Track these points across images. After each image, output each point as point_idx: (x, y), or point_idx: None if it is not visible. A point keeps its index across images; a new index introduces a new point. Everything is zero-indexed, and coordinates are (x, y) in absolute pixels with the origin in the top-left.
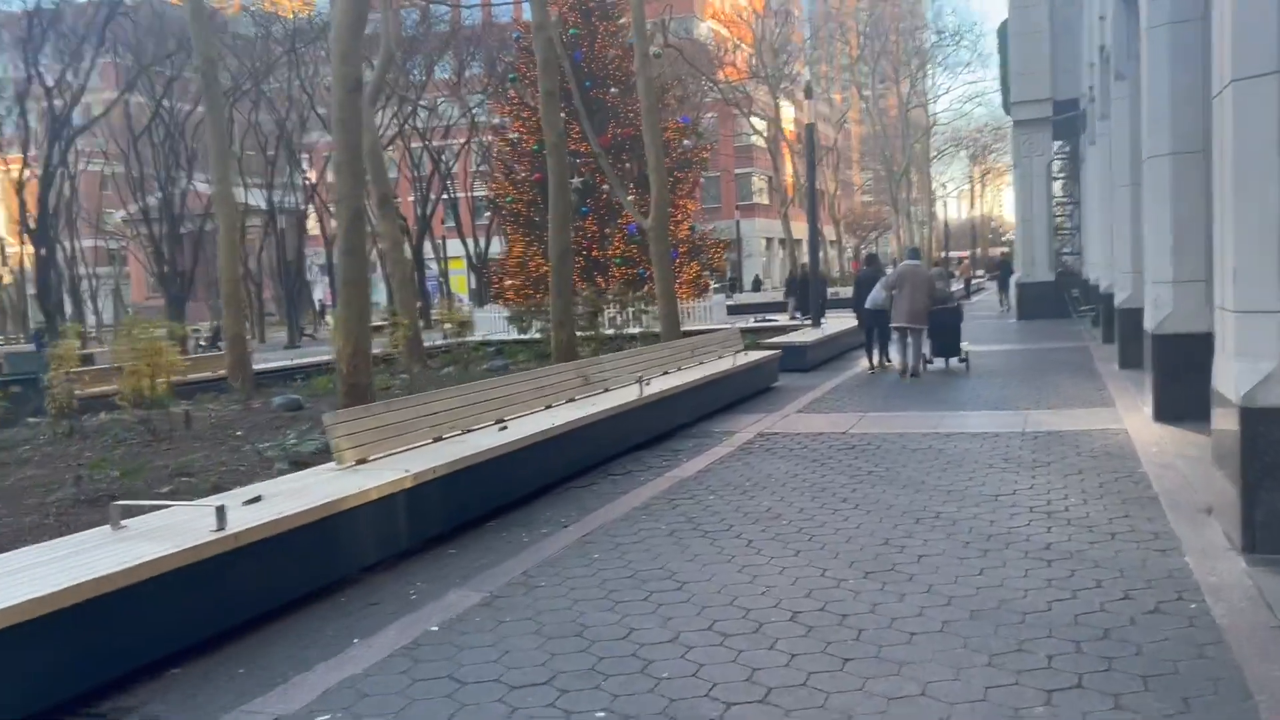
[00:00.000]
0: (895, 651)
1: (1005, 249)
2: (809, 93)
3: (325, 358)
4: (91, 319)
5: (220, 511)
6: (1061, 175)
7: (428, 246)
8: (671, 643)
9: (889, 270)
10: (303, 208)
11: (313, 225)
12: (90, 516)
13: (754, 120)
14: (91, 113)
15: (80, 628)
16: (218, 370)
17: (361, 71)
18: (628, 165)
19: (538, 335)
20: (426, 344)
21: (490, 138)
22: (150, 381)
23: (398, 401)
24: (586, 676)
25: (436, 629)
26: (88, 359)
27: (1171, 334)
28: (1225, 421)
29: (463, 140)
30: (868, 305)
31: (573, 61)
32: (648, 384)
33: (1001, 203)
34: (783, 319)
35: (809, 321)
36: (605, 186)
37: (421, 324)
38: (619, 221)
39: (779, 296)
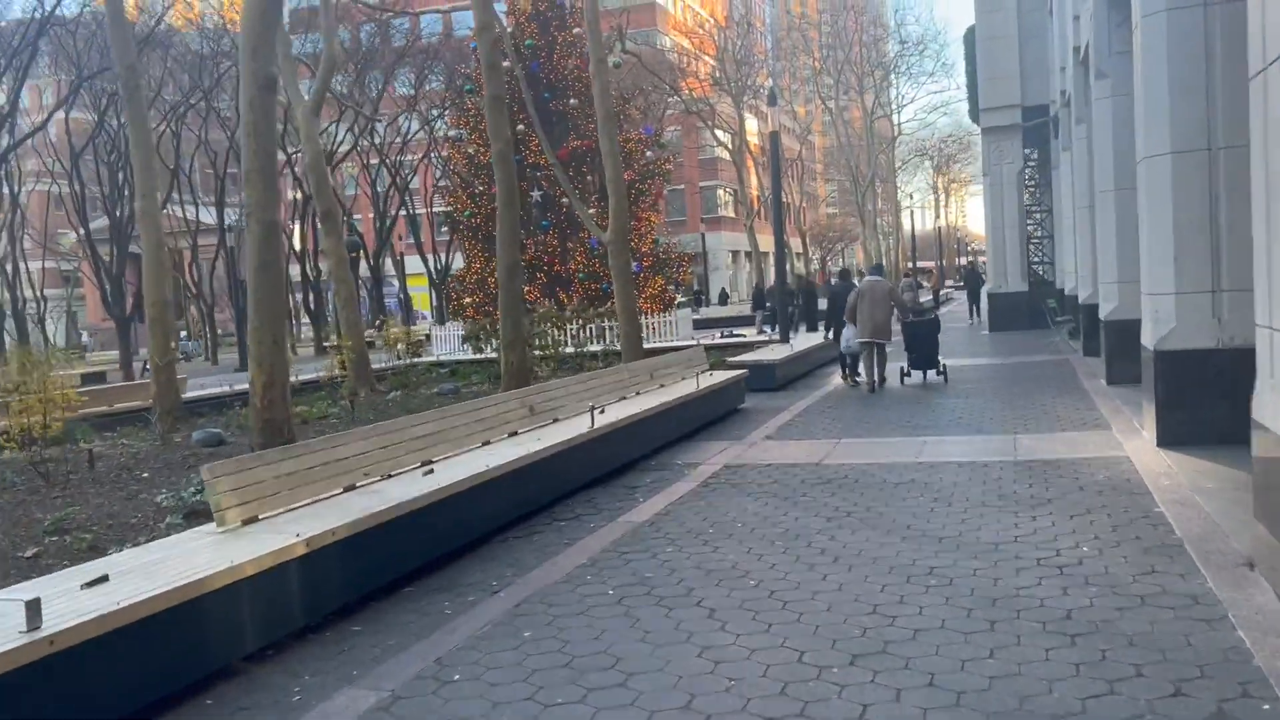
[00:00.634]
0: None
1: (971, 259)
2: (773, 99)
3: None
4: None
5: (33, 607)
6: (1031, 183)
7: (389, 263)
8: None
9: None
10: None
11: None
12: None
13: (718, 133)
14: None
15: None
16: (147, 399)
17: (274, 68)
18: (589, 178)
19: (494, 355)
20: (377, 366)
21: (447, 151)
22: (43, 419)
23: (298, 446)
24: None
25: None
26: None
27: (1175, 350)
28: (1271, 459)
29: (420, 155)
30: (842, 348)
31: (530, 72)
32: (601, 412)
33: (965, 213)
34: (750, 333)
35: (777, 337)
36: (566, 200)
37: (380, 343)
38: (581, 235)
39: (746, 310)
